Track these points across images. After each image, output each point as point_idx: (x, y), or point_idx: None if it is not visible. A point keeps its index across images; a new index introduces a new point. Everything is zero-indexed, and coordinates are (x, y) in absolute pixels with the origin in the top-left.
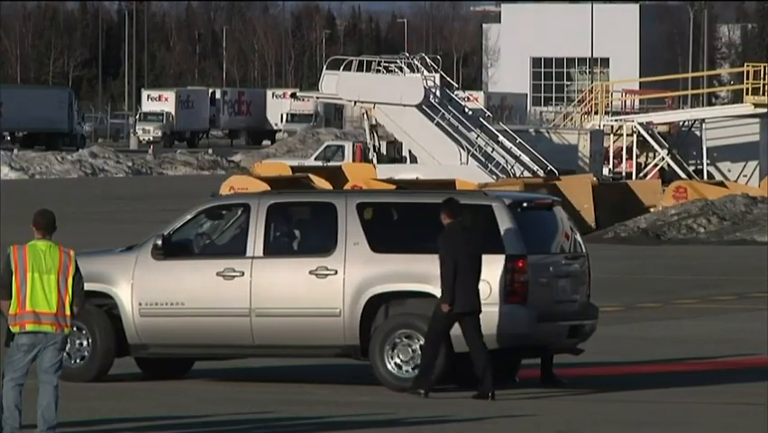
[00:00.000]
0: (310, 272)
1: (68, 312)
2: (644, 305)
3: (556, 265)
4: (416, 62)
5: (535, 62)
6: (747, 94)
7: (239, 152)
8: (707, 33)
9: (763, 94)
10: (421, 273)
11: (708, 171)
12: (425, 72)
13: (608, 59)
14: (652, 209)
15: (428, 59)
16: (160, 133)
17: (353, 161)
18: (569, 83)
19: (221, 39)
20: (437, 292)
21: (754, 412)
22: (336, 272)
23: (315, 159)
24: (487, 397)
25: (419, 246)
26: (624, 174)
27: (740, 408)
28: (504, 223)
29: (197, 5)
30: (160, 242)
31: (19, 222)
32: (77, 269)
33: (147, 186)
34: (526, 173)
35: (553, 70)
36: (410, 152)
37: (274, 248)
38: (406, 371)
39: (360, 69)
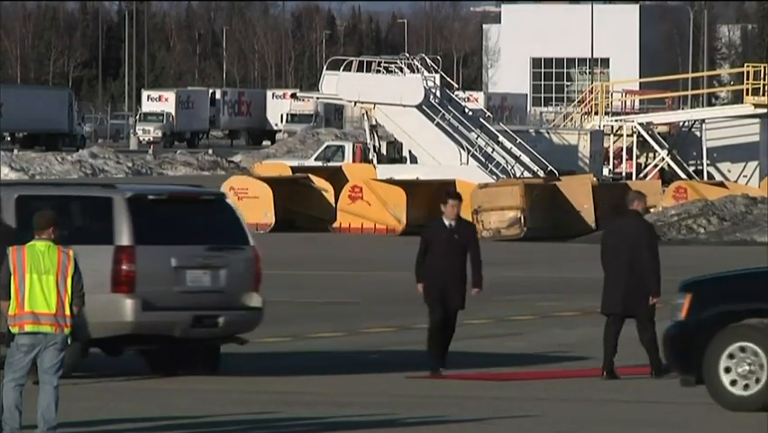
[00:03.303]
0: None
1: (67, 312)
2: None
3: (186, 257)
4: (416, 63)
5: (535, 62)
6: (747, 94)
7: (239, 153)
8: (707, 34)
9: (763, 94)
10: None
11: (708, 172)
12: (425, 73)
13: (608, 59)
14: (652, 210)
15: (428, 60)
16: (160, 134)
17: (353, 161)
18: (569, 83)
19: (221, 39)
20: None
21: (754, 412)
22: None
23: (316, 159)
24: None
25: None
26: (624, 174)
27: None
28: (119, 215)
29: (197, 5)
30: None
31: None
32: (76, 269)
33: None
34: (527, 174)
35: (553, 70)
36: (410, 152)
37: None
38: None
39: (360, 69)
